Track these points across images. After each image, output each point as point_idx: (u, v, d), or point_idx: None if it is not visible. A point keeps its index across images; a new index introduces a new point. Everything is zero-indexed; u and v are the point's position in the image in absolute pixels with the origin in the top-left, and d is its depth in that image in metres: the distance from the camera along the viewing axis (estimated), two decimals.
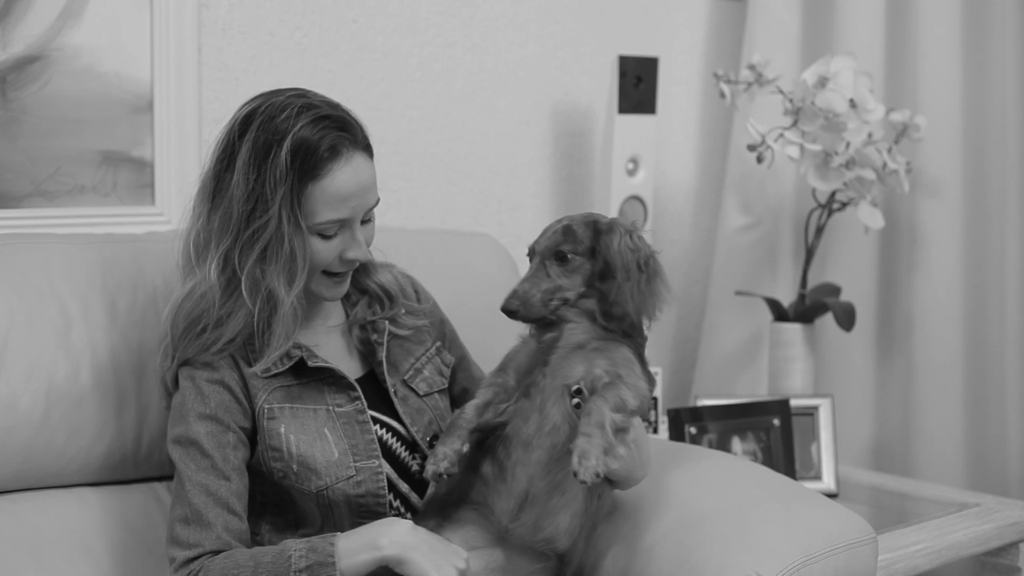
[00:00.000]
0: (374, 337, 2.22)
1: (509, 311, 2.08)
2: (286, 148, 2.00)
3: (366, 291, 2.24)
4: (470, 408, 2.09)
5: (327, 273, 2.10)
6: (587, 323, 2.09)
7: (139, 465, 2.30)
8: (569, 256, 2.08)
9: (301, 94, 2.08)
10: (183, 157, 2.71)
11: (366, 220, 2.11)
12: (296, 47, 2.90)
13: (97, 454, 2.24)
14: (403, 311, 2.27)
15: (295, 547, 1.96)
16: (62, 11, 2.54)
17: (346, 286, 2.16)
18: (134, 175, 2.67)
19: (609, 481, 2.10)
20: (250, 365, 2.09)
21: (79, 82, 2.58)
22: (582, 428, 1.95)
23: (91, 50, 2.58)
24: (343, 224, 2.06)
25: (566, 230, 2.10)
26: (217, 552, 1.99)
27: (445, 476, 2.04)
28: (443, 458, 2.04)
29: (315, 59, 2.93)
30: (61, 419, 2.19)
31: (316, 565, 1.94)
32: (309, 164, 2.01)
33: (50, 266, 2.25)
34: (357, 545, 1.96)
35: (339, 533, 1.98)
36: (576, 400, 2.04)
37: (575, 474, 1.91)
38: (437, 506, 2.12)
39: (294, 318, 2.08)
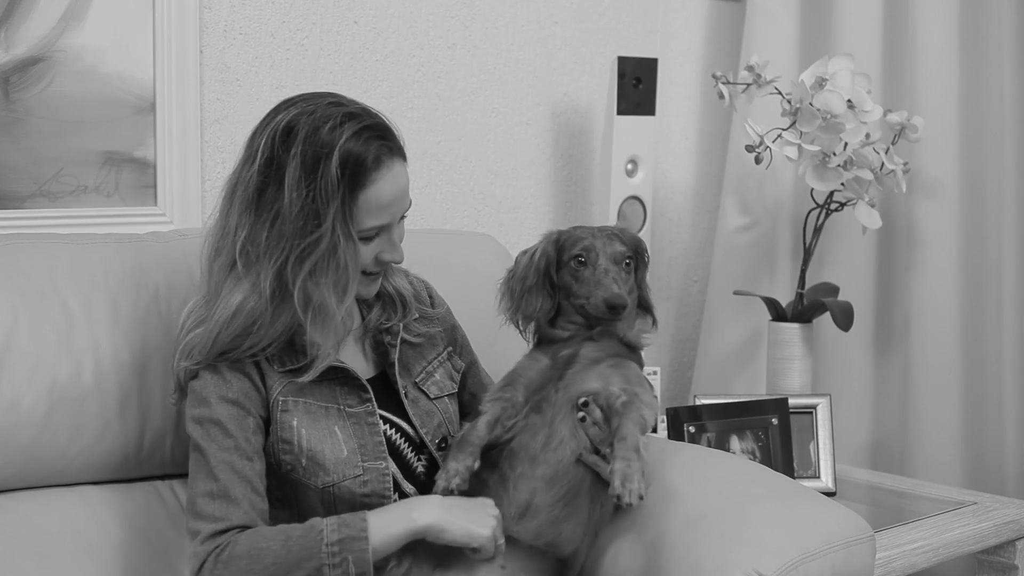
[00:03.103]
0: (387, 339, 2.24)
1: (621, 306, 2.14)
2: (335, 161, 2.01)
3: (380, 295, 2.26)
4: (481, 424, 2.11)
5: (363, 272, 2.13)
6: (605, 340, 2.14)
7: (141, 464, 2.30)
8: (628, 263, 2.20)
9: (338, 102, 2.09)
10: (185, 158, 2.72)
11: (399, 220, 2.15)
12: (297, 48, 2.91)
13: (99, 453, 2.25)
14: (416, 316, 2.29)
15: (326, 522, 2.00)
16: (65, 13, 2.55)
17: (379, 282, 2.20)
18: (136, 176, 2.68)
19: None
20: (269, 361, 2.11)
21: (82, 83, 2.59)
22: (619, 453, 2.00)
23: (93, 51, 2.59)
24: (382, 228, 2.09)
25: (621, 239, 2.21)
26: (244, 527, 2.00)
27: (456, 493, 2.07)
28: (455, 474, 2.07)
29: (316, 60, 2.94)
30: (64, 418, 2.20)
31: (349, 539, 1.98)
32: (358, 175, 2.03)
33: (53, 266, 2.26)
34: (389, 520, 2.02)
35: (367, 512, 2.02)
36: (582, 414, 2.06)
37: (619, 497, 1.96)
38: None
39: (344, 328, 2.12)
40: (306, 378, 2.10)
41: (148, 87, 2.67)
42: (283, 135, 2.04)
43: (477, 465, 2.08)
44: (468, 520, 2.04)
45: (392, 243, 2.13)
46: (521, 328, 2.26)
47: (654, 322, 2.25)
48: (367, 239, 2.09)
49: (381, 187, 2.05)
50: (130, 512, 2.26)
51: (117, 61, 2.63)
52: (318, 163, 2.01)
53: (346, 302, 2.08)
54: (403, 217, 2.15)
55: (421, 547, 2.07)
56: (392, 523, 2.02)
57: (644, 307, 2.26)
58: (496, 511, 2.07)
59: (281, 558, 1.97)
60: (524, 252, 2.27)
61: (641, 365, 2.20)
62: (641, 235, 3.30)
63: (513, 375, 2.18)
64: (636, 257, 2.25)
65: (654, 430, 3.06)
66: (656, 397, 2.20)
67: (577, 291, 2.19)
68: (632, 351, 2.19)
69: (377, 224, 2.08)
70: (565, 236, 2.23)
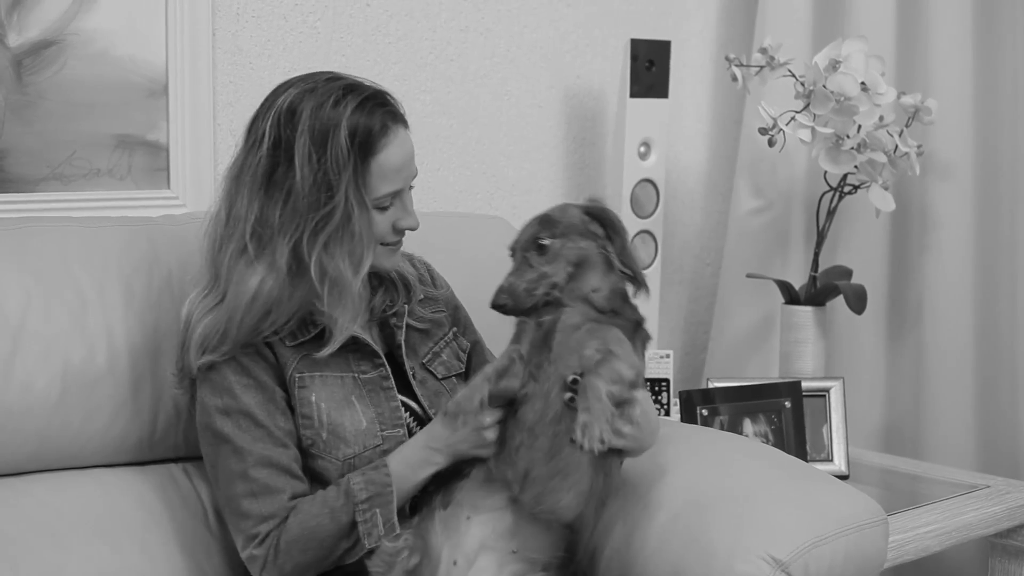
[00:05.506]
0: (393, 321, 2.25)
1: (499, 306, 2.09)
2: (344, 132, 2.05)
3: (383, 280, 2.27)
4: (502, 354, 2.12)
5: (382, 244, 2.15)
6: (581, 306, 2.10)
7: (155, 447, 2.31)
8: (547, 243, 2.09)
9: (334, 76, 2.13)
10: (198, 141, 2.72)
11: (409, 188, 2.18)
12: (310, 31, 2.91)
13: (113, 436, 2.25)
14: (421, 297, 2.30)
15: (353, 480, 2.08)
16: None
17: (400, 255, 2.22)
18: (149, 159, 2.68)
19: (619, 452, 2.11)
20: (278, 335, 2.13)
21: (94, 66, 2.59)
22: (580, 405, 1.99)
23: (106, 34, 2.59)
24: (395, 195, 2.13)
25: (543, 219, 2.12)
26: None
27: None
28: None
29: (328, 43, 2.94)
30: (77, 401, 2.20)
31: (375, 496, 2.06)
32: (368, 143, 2.07)
33: (66, 249, 2.26)
34: (411, 467, 2.11)
35: (387, 459, 2.11)
36: (570, 394, 2.05)
37: (581, 447, 1.96)
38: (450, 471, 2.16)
39: (361, 301, 2.15)
40: (325, 352, 2.12)
41: (161, 70, 2.67)
42: (287, 116, 2.07)
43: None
44: (466, 441, 2.09)
45: (407, 209, 2.16)
46: None
47: (638, 287, 2.15)
48: (382, 208, 2.12)
49: (391, 152, 2.09)
50: (144, 495, 2.27)
51: (129, 44, 2.63)
52: (327, 136, 2.04)
53: (361, 273, 2.10)
54: (411, 187, 2.18)
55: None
56: (415, 469, 2.10)
57: (625, 275, 2.16)
58: (490, 418, 2.08)
59: (330, 530, 2.06)
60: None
61: (631, 334, 2.13)
62: (654, 218, 3.30)
63: (516, 335, 2.16)
64: (604, 227, 2.14)
65: (665, 408, 3.07)
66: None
67: None
68: (611, 316, 2.12)
69: (390, 190, 2.11)
70: None
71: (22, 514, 2.14)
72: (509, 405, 2.09)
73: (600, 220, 2.12)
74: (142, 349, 2.26)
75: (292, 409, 2.13)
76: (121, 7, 2.60)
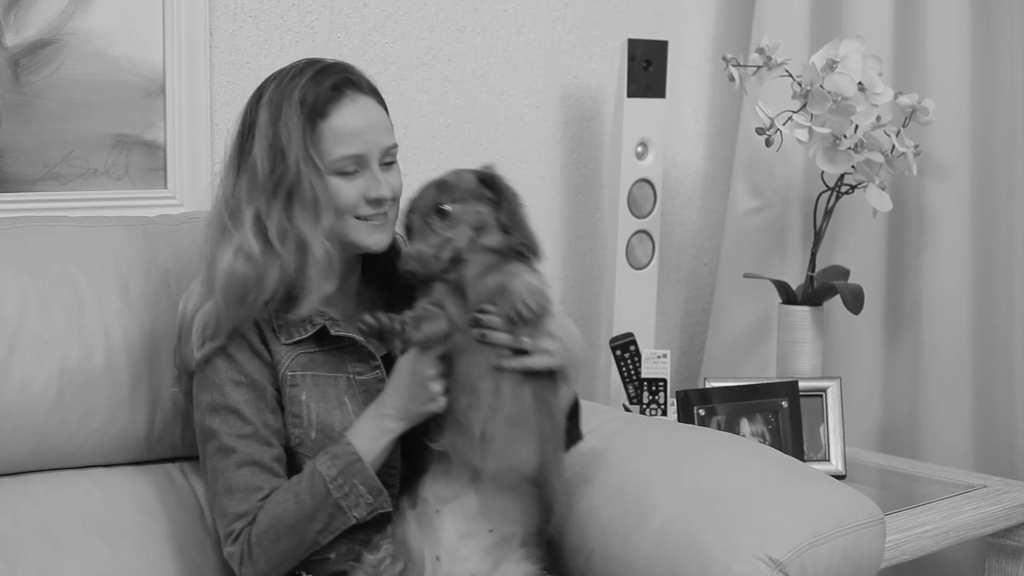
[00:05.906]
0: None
1: (410, 272, 2.09)
2: (295, 98, 2.09)
3: (390, 281, 2.26)
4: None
5: (358, 218, 2.14)
6: (480, 256, 2.10)
7: (152, 447, 2.31)
8: (449, 208, 2.10)
9: (305, 59, 2.19)
10: (195, 140, 2.72)
11: (388, 163, 2.17)
12: (307, 31, 2.91)
13: (110, 435, 2.26)
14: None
15: (319, 463, 2.06)
16: None
17: (387, 234, 2.19)
18: (146, 158, 2.68)
19: (551, 378, 2.09)
20: (275, 333, 2.13)
21: (91, 66, 2.59)
22: (501, 305, 2.03)
23: (103, 34, 2.59)
24: (359, 161, 2.12)
25: (440, 184, 2.14)
26: None
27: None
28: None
29: (326, 43, 2.94)
30: (74, 401, 2.20)
31: (346, 467, 2.05)
32: (317, 106, 2.09)
33: (63, 249, 2.26)
34: (370, 438, 2.08)
35: (346, 435, 2.09)
36: (480, 331, 2.04)
37: (519, 315, 2.01)
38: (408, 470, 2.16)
39: (328, 262, 2.11)
40: (299, 312, 2.11)
41: (158, 70, 2.67)
42: (255, 97, 2.15)
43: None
44: (418, 407, 2.07)
45: (375, 178, 2.14)
46: None
47: (531, 253, 2.13)
48: (343, 173, 2.11)
49: (343, 115, 2.11)
50: (141, 494, 2.27)
51: (126, 44, 2.63)
52: (281, 106, 2.09)
53: (321, 230, 2.09)
54: (391, 163, 2.18)
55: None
56: (374, 440, 2.08)
57: (518, 240, 2.15)
58: (431, 370, 2.06)
59: (297, 514, 2.04)
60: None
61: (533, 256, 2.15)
62: (651, 218, 3.30)
63: (425, 292, 2.14)
64: (493, 192, 2.15)
65: (662, 408, 3.07)
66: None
67: None
68: (519, 255, 2.13)
69: (348, 152, 2.11)
70: None
71: (18, 514, 2.14)
72: (445, 359, 2.08)
73: (490, 186, 2.14)
74: (139, 349, 2.26)
75: (282, 408, 2.13)
76: (118, 7, 2.60)
